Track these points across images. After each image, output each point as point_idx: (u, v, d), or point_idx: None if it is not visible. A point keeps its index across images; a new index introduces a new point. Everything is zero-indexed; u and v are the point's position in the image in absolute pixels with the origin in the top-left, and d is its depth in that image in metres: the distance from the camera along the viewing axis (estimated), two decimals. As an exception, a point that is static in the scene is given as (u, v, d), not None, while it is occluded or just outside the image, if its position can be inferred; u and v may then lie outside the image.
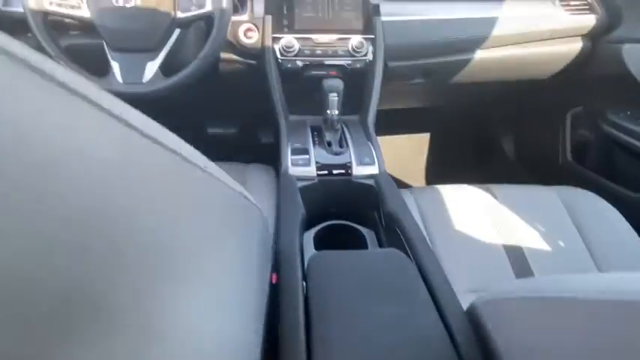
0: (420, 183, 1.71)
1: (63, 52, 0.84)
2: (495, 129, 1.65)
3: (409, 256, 0.63)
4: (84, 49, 0.97)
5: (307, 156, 0.88)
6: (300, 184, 0.83)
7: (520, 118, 1.57)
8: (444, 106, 1.59)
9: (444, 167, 1.71)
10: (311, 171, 0.86)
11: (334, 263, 0.56)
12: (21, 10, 0.88)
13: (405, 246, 0.66)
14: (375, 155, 0.89)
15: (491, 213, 0.97)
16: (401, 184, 1.70)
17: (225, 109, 1.51)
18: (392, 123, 1.56)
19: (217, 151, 1.68)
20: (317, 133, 0.99)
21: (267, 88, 1.03)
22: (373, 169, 0.87)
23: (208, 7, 0.85)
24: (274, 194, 0.95)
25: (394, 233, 0.71)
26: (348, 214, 0.87)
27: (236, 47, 1.03)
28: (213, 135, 1.61)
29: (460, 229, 0.93)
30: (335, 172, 0.88)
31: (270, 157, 1.14)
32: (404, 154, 1.77)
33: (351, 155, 0.89)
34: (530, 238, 0.92)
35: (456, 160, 1.71)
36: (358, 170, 0.86)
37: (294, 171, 0.85)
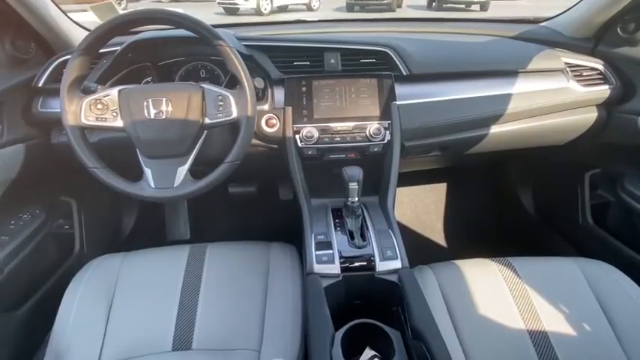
0: (439, 238, 1.72)
1: (99, 161, 0.90)
2: (513, 182, 1.66)
3: None
4: (115, 142, 1.03)
5: (331, 251, 0.90)
6: (325, 282, 0.86)
7: (538, 172, 1.58)
8: (460, 165, 1.61)
9: (463, 221, 1.72)
10: (335, 268, 0.88)
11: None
12: (57, 110, 0.93)
13: None
14: (397, 248, 0.91)
15: (514, 292, 0.97)
16: (419, 239, 1.72)
17: (245, 173, 1.56)
18: (410, 175, 1.59)
19: (238, 209, 1.73)
20: (338, 219, 1.02)
21: (289, 174, 1.07)
22: (396, 264, 0.89)
23: (234, 115, 0.89)
24: (299, 279, 0.97)
25: (421, 348, 0.72)
26: (372, 308, 0.89)
27: (258, 134, 1.07)
28: (234, 194, 1.66)
29: (484, 312, 0.94)
30: (358, 264, 0.90)
31: (288, 217, 1.16)
32: (422, 205, 1.79)
33: (373, 249, 0.91)
34: (555, 322, 0.91)
35: (475, 213, 1.72)
36: (381, 266, 0.88)
37: (318, 269, 0.88)
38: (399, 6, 13.10)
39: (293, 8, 12.35)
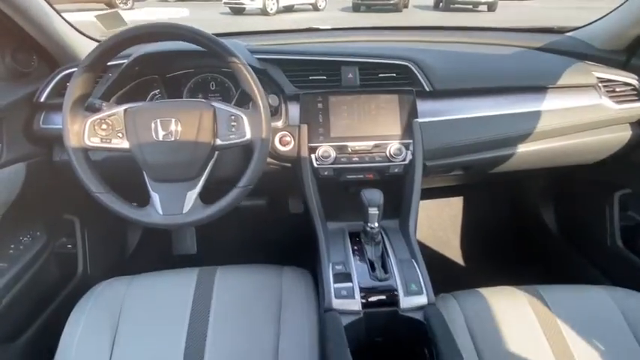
0: (455, 255, 1.65)
1: (103, 185, 0.84)
2: (533, 198, 1.59)
3: None
4: (121, 162, 0.97)
5: (350, 284, 0.84)
6: (345, 320, 0.79)
7: (561, 189, 1.51)
8: (480, 182, 1.54)
9: (480, 238, 1.65)
10: (356, 304, 0.81)
11: None
12: (60, 126, 0.88)
13: None
14: (422, 281, 0.85)
15: (544, 325, 0.91)
16: (434, 256, 1.65)
17: (255, 188, 1.51)
18: (426, 189, 1.53)
19: (246, 222, 1.68)
20: (357, 245, 0.95)
21: (303, 195, 1.01)
22: (422, 300, 0.82)
23: (248, 136, 0.83)
24: (315, 312, 0.91)
25: None
26: (395, 346, 0.83)
27: (272, 153, 1.01)
28: (243, 207, 1.60)
29: (513, 348, 0.87)
30: (379, 298, 0.83)
31: (299, 232, 1.09)
32: (438, 220, 1.72)
33: (396, 281, 0.85)
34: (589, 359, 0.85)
35: (492, 229, 1.65)
36: (406, 302, 0.81)
37: (337, 304, 0.81)
38: (406, 6, 13.01)
39: (299, 8, 12.30)
